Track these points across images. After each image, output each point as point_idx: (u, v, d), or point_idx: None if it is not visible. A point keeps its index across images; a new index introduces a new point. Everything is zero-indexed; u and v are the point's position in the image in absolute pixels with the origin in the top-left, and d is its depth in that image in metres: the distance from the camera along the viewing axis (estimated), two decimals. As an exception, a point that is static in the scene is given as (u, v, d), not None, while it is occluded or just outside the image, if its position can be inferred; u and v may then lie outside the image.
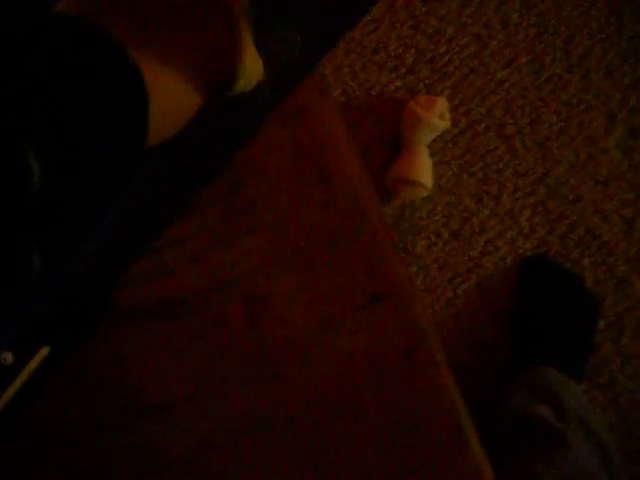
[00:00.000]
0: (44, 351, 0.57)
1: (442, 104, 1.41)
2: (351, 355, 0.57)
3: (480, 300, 1.42)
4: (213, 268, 0.58)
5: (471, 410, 0.57)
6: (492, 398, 1.32)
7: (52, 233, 0.35)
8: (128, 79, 0.38)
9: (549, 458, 1.12)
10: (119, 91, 0.38)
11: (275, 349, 0.57)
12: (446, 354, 0.58)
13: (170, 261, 0.58)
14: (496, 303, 1.42)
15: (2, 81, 0.33)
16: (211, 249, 0.58)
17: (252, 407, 0.57)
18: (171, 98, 0.44)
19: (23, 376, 0.57)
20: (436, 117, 1.39)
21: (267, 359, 0.57)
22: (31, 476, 0.58)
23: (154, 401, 0.58)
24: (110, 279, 0.58)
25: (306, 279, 0.57)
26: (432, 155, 1.43)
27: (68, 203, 0.35)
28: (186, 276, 0.58)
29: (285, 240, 0.57)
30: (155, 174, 0.56)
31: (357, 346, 0.57)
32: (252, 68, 0.51)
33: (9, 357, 0.57)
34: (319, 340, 0.57)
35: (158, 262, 0.58)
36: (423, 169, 1.39)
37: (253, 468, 0.57)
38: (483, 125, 1.46)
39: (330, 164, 0.57)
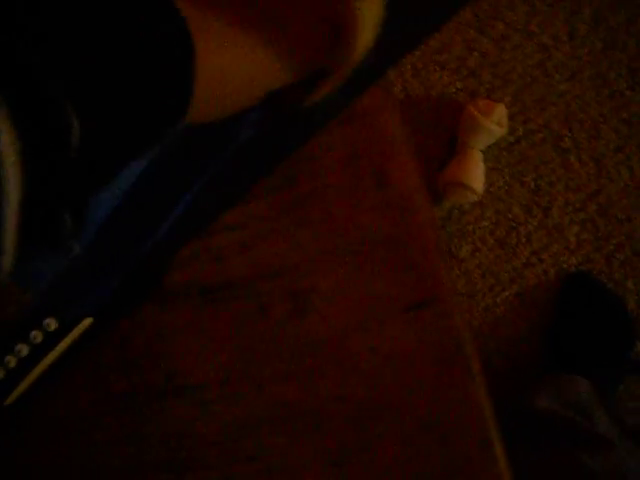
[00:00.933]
0: (87, 321, 0.58)
1: (501, 110, 1.40)
2: (388, 358, 0.57)
3: (519, 310, 1.41)
4: (260, 257, 0.58)
5: (499, 413, 0.57)
6: (519, 398, 1.30)
7: (82, 193, 0.33)
8: (175, 42, 0.34)
9: (594, 449, 1.09)
10: (164, 57, 0.34)
11: (313, 344, 0.58)
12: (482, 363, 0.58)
13: (219, 246, 0.59)
14: (535, 315, 1.41)
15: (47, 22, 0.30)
16: (260, 239, 0.58)
17: (284, 397, 0.58)
18: (242, 69, 0.40)
19: (64, 344, 0.58)
20: (494, 123, 1.38)
21: (304, 353, 0.58)
22: (64, 443, 0.59)
23: (189, 381, 0.59)
24: (163, 257, 0.59)
25: (351, 278, 0.57)
26: (485, 161, 1.42)
27: (101, 163, 0.33)
28: (233, 262, 0.59)
29: (334, 237, 0.58)
30: (223, 156, 0.56)
31: (395, 350, 0.57)
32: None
33: (52, 324, 0.57)
34: (358, 340, 0.57)
35: (207, 246, 0.59)
36: (475, 174, 1.38)
37: (282, 456, 0.58)
38: (540, 136, 1.44)
39: (388, 168, 0.57)
